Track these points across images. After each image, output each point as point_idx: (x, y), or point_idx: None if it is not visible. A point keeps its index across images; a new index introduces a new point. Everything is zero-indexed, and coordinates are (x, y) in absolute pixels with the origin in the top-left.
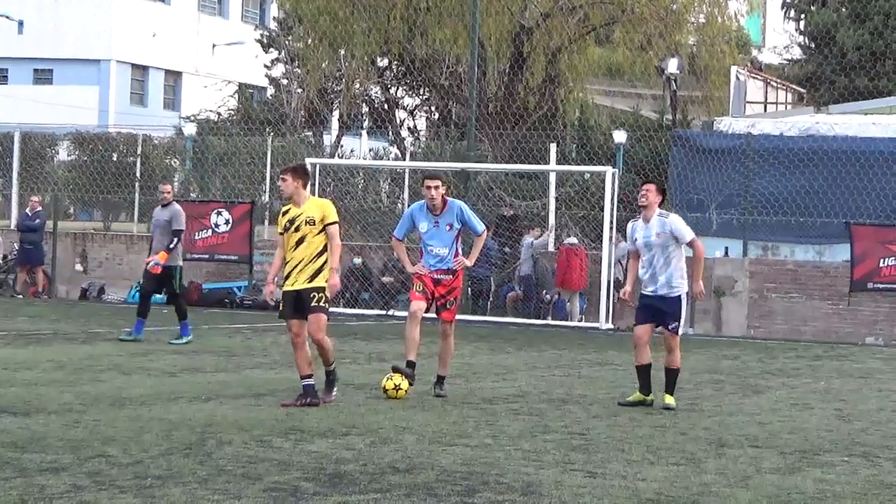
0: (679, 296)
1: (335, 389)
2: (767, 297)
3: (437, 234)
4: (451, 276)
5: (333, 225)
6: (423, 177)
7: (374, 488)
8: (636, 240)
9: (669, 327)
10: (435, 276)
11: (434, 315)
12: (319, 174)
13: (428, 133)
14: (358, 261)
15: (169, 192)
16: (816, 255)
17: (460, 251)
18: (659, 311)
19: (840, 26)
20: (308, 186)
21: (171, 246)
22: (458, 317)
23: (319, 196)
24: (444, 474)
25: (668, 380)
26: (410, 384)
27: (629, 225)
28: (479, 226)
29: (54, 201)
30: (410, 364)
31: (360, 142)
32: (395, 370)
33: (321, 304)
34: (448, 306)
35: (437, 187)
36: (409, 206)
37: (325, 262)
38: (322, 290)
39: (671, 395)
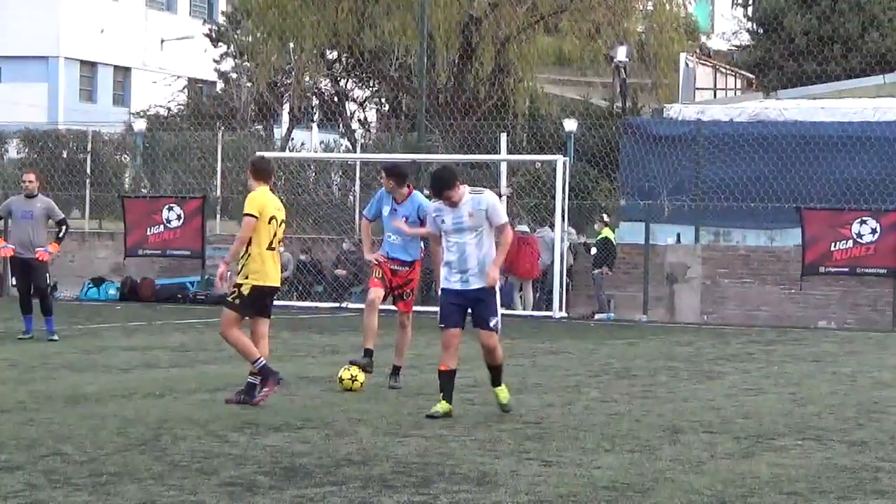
0: (493, 286)
1: (242, 396)
2: (720, 283)
3: (389, 222)
4: (407, 268)
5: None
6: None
7: (329, 481)
8: (443, 222)
9: (490, 324)
10: (392, 266)
11: (392, 306)
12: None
13: (378, 125)
14: (303, 257)
15: (33, 182)
16: (768, 241)
17: (415, 240)
18: (471, 306)
19: (788, 12)
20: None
21: (61, 235)
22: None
23: (270, 190)
24: (400, 466)
25: (493, 374)
26: (369, 372)
27: (431, 206)
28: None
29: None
30: (368, 352)
31: (311, 135)
32: (353, 363)
33: (228, 298)
34: (405, 297)
35: (386, 178)
36: (360, 198)
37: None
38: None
39: (501, 385)
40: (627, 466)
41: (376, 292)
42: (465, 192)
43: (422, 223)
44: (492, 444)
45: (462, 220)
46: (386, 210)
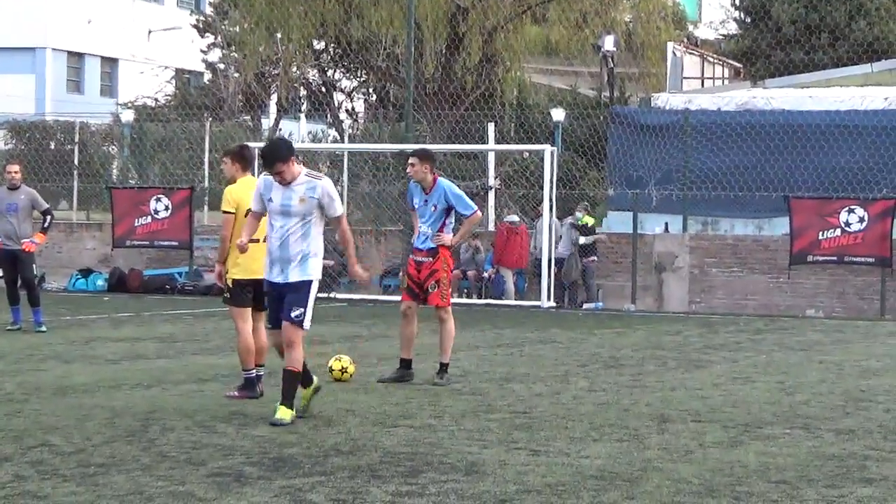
0: (310, 281)
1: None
2: (708, 272)
3: (425, 213)
4: (431, 259)
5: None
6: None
7: (317, 471)
8: (270, 201)
9: (292, 315)
10: (417, 258)
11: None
12: (259, 158)
13: (366, 115)
14: None
15: (17, 173)
16: (756, 229)
17: (445, 228)
18: (284, 297)
19: (775, 0)
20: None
21: (47, 226)
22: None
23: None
24: (388, 456)
25: (284, 385)
26: (407, 381)
27: (260, 180)
28: (468, 208)
29: None
30: (404, 362)
31: (299, 125)
32: (381, 380)
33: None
34: (431, 290)
35: (412, 164)
36: (347, 188)
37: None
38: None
39: (286, 405)
40: (615, 455)
41: (405, 304)
42: (300, 172)
43: (449, 209)
44: (480, 433)
45: (290, 204)
46: (416, 202)
